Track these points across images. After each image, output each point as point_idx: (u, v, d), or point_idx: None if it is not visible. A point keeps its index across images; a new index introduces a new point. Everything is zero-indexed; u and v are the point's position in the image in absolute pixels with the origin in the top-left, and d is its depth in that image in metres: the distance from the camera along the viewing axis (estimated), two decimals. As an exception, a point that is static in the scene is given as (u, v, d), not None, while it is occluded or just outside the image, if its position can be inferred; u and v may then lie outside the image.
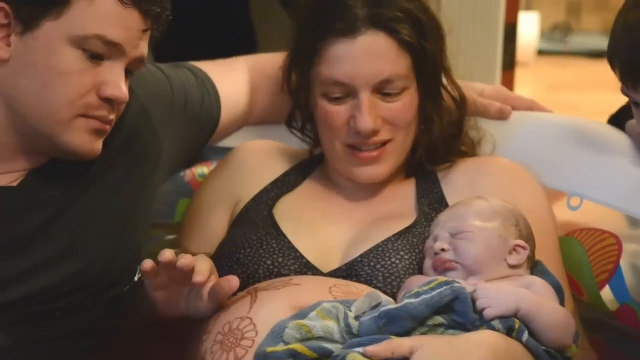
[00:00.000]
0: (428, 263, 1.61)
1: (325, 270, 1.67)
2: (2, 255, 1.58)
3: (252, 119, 2.04)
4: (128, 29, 1.57)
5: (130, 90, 1.69)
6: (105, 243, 1.67)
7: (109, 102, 1.58)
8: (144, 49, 1.62)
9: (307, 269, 1.67)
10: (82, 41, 1.54)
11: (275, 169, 1.88)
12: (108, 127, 1.61)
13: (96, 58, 1.56)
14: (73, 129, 1.57)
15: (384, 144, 1.74)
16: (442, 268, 1.57)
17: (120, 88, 1.58)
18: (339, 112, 1.73)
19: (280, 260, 1.68)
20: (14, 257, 1.58)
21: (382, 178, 1.77)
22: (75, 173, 1.64)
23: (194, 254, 1.57)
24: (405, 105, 1.73)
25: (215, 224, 1.84)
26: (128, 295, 1.73)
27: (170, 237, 1.98)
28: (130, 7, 1.56)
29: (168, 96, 1.84)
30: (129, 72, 1.62)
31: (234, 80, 1.99)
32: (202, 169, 2.07)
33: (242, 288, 1.62)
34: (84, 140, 1.59)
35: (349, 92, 1.72)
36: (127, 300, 1.72)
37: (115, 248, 1.68)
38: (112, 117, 1.61)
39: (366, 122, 1.69)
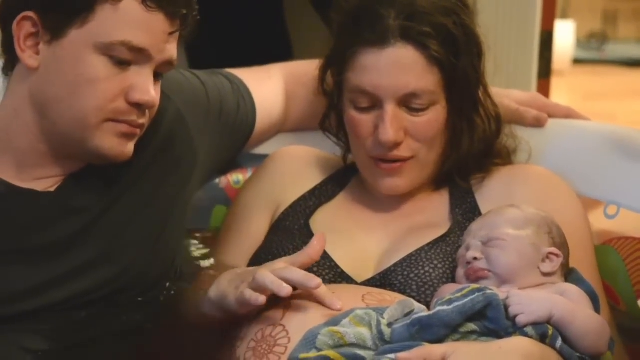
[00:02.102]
0: (460, 272, 1.60)
1: (359, 279, 1.67)
2: (39, 260, 1.59)
3: (286, 126, 2.05)
4: (153, 33, 1.57)
5: (166, 96, 1.70)
6: (140, 249, 1.68)
7: (138, 106, 1.59)
8: (171, 51, 1.62)
9: (342, 278, 1.67)
10: (107, 48, 1.55)
11: (313, 176, 1.88)
12: (138, 131, 1.62)
13: (123, 64, 1.57)
14: (102, 133, 1.58)
15: (407, 158, 1.73)
16: (474, 277, 1.57)
17: (148, 92, 1.58)
18: (364, 121, 1.73)
19: (315, 269, 1.67)
20: (50, 262, 1.60)
21: (402, 191, 1.77)
22: (111, 178, 1.66)
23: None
24: (430, 120, 1.72)
25: (254, 229, 1.84)
26: (163, 301, 1.74)
27: (204, 250, 1.98)
28: (155, 10, 1.56)
29: (204, 102, 1.85)
30: (158, 75, 1.62)
31: (269, 87, 1.99)
32: (237, 176, 2.08)
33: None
34: (113, 143, 1.59)
35: (375, 102, 1.71)
36: (162, 305, 1.73)
37: (150, 254, 1.69)
38: (142, 121, 1.61)
39: (388, 132, 1.69)
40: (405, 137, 1.71)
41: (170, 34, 1.59)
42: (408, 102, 1.70)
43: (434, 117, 1.72)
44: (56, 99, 1.58)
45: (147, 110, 1.61)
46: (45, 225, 1.61)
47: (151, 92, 1.58)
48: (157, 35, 1.57)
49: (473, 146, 1.78)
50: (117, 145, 1.60)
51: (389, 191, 1.76)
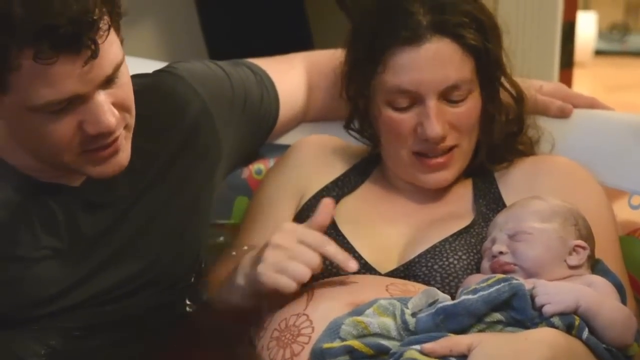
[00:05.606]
0: (486, 265, 1.60)
1: (383, 270, 1.67)
2: (66, 256, 1.58)
3: (308, 116, 2.04)
4: (68, 79, 1.43)
5: (192, 89, 1.69)
6: (166, 244, 1.67)
7: (101, 134, 1.49)
8: (101, 69, 1.46)
9: (365, 269, 1.66)
10: (38, 109, 1.45)
11: (336, 167, 1.87)
12: (119, 145, 1.53)
13: (63, 111, 1.47)
14: (84, 163, 1.52)
15: (450, 149, 1.73)
16: (500, 270, 1.55)
17: (99, 123, 1.47)
18: (404, 120, 1.72)
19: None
20: (77, 258, 1.59)
21: (448, 183, 1.77)
22: (136, 172, 1.63)
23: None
24: (469, 109, 1.72)
25: (279, 218, 1.82)
26: (186, 294, 1.74)
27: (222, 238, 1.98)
28: (53, 60, 1.41)
29: (228, 94, 1.84)
30: (109, 80, 1.49)
31: (292, 77, 1.98)
32: (258, 166, 2.07)
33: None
34: (100, 168, 1.54)
35: (414, 100, 1.70)
36: (186, 299, 1.73)
37: (176, 248, 1.69)
38: (117, 134, 1.51)
39: (434, 128, 1.68)
40: (449, 130, 1.71)
41: (84, 65, 1.43)
42: (448, 94, 1.70)
43: (472, 105, 1.72)
44: (25, 144, 1.53)
45: (123, 115, 1.52)
46: (70, 220, 1.59)
47: (104, 121, 1.47)
48: (73, 78, 1.43)
49: (504, 128, 1.79)
50: (105, 168, 1.53)
51: (436, 185, 1.76)
